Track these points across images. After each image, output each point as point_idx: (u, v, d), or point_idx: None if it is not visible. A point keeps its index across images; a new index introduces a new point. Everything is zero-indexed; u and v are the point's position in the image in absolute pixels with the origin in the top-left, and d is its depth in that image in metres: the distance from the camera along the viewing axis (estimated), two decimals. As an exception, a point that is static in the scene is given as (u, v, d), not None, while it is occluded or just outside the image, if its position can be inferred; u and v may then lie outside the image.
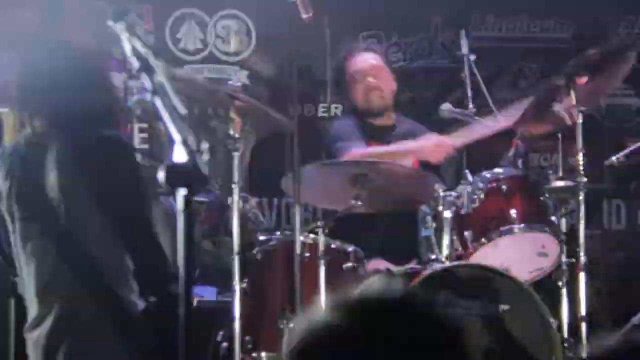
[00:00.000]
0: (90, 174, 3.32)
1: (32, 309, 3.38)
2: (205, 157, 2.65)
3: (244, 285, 4.52)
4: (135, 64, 3.00)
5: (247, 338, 4.51)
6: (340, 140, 5.35)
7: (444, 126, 5.32)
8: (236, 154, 4.65)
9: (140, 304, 3.37)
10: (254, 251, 4.72)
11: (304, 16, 4.42)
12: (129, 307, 3.33)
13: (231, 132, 4.66)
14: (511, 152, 5.01)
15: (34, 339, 3.33)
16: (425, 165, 5.21)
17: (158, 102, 2.87)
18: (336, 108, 6.41)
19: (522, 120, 4.94)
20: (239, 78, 6.09)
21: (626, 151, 5.07)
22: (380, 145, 5.35)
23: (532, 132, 5.07)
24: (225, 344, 4.58)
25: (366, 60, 5.48)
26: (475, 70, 5.22)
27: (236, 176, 4.59)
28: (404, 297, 1.77)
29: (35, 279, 3.35)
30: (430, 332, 1.74)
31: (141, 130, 6.01)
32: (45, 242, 3.34)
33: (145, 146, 5.65)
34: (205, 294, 4.80)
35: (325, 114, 6.33)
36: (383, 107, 5.49)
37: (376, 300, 1.77)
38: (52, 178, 3.34)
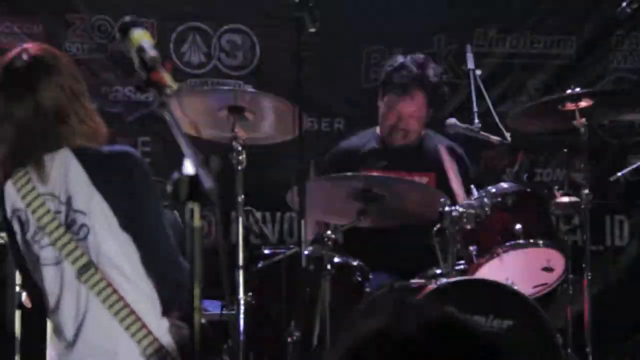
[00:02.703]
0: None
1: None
2: (214, 170, 2.62)
3: (249, 299, 4.52)
4: (143, 76, 3.00)
5: (251, 353, 4.53)
6: (357, 158, 5.34)
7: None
8: (240, 168, 4.65)
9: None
10: (259, 265, 4.73)
11: (310, 30, 4.42)
12: None
13: (235, 145, 4.66)
14: (516, 167, 5.00)
15: None
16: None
17: (166, 115, 2.86)
18: (339, 123, 6.40)
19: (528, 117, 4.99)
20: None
21: (632, 167, 5.07)
22: (400, 172, 5.28)
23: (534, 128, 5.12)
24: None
25: (410, 106, 5.29)
26: (481, 85, 5.21)
27: (240, 190, 4.59)
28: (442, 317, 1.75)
29: None
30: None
31: (144, 144, 6.02)
32: None
33: (148, 159, 5.65)
34: (209, 307, 4.78)
35: (328, 129, 6.32)
36: (403, 144, 5.42)
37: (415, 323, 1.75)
38: None
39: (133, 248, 3.29)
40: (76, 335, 3.28)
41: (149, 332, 3.24)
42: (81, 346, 3.27)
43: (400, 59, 5.39)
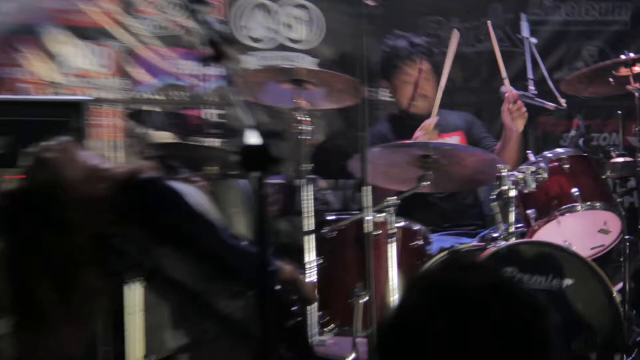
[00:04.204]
0: None
1: None
2: (279, 140, 2.63)
3: (319, 262, 4.56)
4: (211, 52, 3.02)
5: (321, 313, 4.57)
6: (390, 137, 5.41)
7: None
8: (307, 139, 4.68)
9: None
10: (325, 230, 4.75)
11: (370, 3, 4.41)
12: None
13: (301, 117, 4.68)
14: (572, 132, 4.97)
15: None
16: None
17: (233, 88, 2.88)
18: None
19: (583, 82, 4.96)
20: (306, 65, 6.11)
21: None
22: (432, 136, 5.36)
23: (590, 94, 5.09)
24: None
25: (416, 68, 5.45)
26: (536, 53, 5.17)
27: (307, 159, 4.62)
28: (488, 280, 1.77)
29: None
30: (520, 314, 1.75)
31: (219, 117, 6.06)
32: None
33: (221, 130, 5.68)
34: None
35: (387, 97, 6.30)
36: (426, 112, 5.46)
37: (467, 283, 1.77)
38: None
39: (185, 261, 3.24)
40: None
41: None
42: None
43: (391, 41, 5.58)
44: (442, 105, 5.55)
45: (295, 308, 3.38)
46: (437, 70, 5.50)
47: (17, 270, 2.99)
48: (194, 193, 3.30)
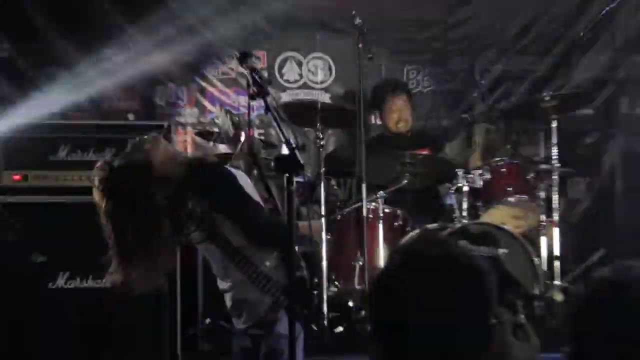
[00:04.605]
0: None
1: None
2: (302, 151, 2.67)
3: (329, 237, 4.55)
4: (255, 90, 3.05)
5: (332, 274, 4.58)
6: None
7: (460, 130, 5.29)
8: (322, 149, 4.70)
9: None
10: (335, 215, 4.74)
11: (368, 56, 4.46)
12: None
13: (318, 134, 4.71)
14: (508, 146, 4.99)
15: None
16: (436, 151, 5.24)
17: (271, 116, 2.92)
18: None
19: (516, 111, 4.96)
20: (323, 99, 6.12)
21: (588, 142, 5.01)
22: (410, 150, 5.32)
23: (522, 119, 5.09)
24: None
25: (399, 99, 5.32)
26: (485, 90, 5.19)
27: (322, 164, 4.64)
28: (447, 250, 1.76)
29: None
30: (470, 274, 1.74)
31: (259, 135, 6.10)
32: None
33: (263, 144, 5.70)
34: (300, 244, 4.82)
35: (380, 122, 6.29)
36: (405, 131, 5.39)
37: (426, 252, 1.75)
38: None
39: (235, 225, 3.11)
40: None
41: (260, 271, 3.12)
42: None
43: (380, 81, 5.54)
44: (419, 128, 5.56)
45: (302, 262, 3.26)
46: (413, 101, 5.43)
47: (116, 221, 2.93)
48: (243, 178, 3.27)
